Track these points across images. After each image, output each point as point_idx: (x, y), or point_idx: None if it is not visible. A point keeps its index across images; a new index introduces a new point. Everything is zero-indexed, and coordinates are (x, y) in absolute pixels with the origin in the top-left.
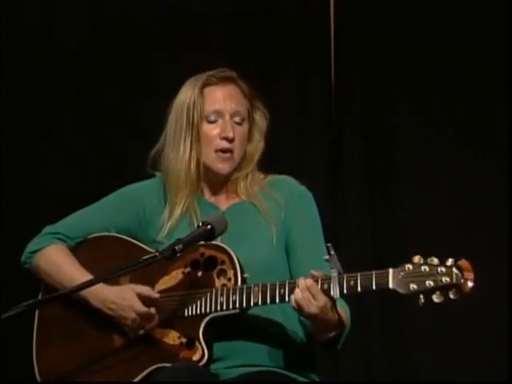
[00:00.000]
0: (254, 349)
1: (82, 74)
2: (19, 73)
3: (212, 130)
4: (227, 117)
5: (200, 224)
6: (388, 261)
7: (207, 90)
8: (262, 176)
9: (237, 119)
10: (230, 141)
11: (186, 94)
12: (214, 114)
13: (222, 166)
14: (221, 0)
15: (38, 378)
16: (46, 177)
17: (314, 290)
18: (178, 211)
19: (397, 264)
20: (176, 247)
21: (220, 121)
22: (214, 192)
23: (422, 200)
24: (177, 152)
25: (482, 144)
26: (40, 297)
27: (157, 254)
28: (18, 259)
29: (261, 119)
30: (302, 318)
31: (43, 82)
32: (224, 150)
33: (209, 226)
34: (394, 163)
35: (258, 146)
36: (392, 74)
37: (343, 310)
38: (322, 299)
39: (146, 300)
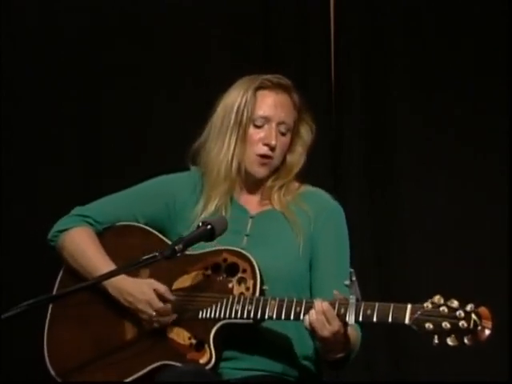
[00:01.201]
0: (262, 354)
1: (81, 73)
2: (19, 73)
3: (257, 135)
4: (274, 124)
5: (200, 224)
6: (388, 261)
7: (260, 92)
8: (296, 185)
9: (282, 129)
10: (272, 149)
11: (239, 92)
12: (261, 119)
13: (259, 170)
14: (221, 0)
15: (46, 356)
16: (46, 177)
17: (330, 315)
18: (212, 206)
19: (396, 264)
20: (176, 247)
21: (266, 126)
22: (248, 196)
23: (421, 200)
24: (221, 147)
25: (481, 144)
26: (59, 277)
27: (157, 253)
28: (18, 259)
29: (306, 133)
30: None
31: (43, 81)
32: (264, 156)
33: (209, 226)
34: (393, 163)
35: (299, 159)
36: (392, 74)
37: (355, 333)
38: (337, 325)
39: (161, 297)
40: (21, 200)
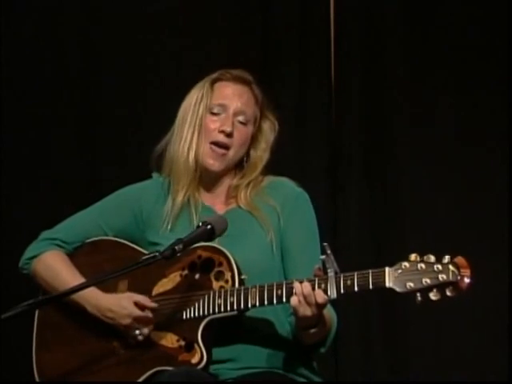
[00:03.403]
0: (253, 351)
1: (82, 73)
2: (19, 73)
3: (212, 123)
4: (230, 112)
5: (200, 224)
6: (388, 261)
7: (218, 84)
8: (260, 178)
9: (241, 118)
10: (227, 135)
11: (197, 88)
12: (218, 107)
13: (213, 163)
14: (221, 0)
15: (36, 376)
16: (47, 177)
17: (310, 299)
18: (179, 197)
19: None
20: (176, 247)
21: (223, 115)
22: (213, 197)
23: (421, 200)
24: (179, 142)
25: (482, 144)
26: None
27: (157, 253)
28: (18, 259)
29: (269, 130)
30: (289, 320)
31: (43, 82)
32: (219, 144)
33: (209, 226)
34: (393, 163)
35: (262, 155)
36: (392, 74)
37: (330, 315)
38: (320, 299)
39: (142, 308)
40: (21, 200)
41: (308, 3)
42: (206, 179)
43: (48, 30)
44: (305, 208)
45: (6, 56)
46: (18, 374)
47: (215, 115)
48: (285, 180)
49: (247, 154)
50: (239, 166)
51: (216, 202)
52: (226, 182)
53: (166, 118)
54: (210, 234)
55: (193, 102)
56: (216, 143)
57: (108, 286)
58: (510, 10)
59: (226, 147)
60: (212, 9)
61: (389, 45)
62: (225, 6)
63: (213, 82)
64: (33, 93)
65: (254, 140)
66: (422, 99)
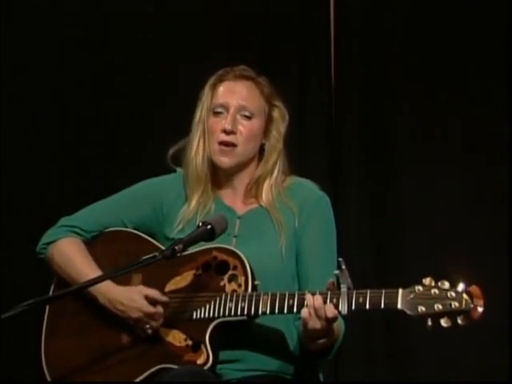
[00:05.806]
0: (259, 354)
1: (82, 73)
2: (19, 73)
3: (217, 124)
4: (232, 109)
5: (200, 224)
6: (387, 261)
7: (220, 85)
8: (282, 178)
9: (245, 113)
10: (228, 133)
11: (200, 95)
12: (219, 107)
13: (223, 160)
14: (221, 0)
15: (44, 369)
16: (47, 177)
17: (321, 308)
18: (192, 203)
19: (396, 266)
20: (176, 247)
21: (225, 114)
22: (232, 195)
23: (421, 200)
24: (192, 146)
25: (483, 144)
26: (52, 289)
27: (157, 253)
28: (18, 259)
29: (280, 119)
30: (296, 324)
31: (43, 82)
32: (225, 143)
33: (209, 226)
34: (394, 163)
35: (276, 144)
36: (392, 74)
37: (338, 323)
38: (330, 313)
39: (153, 302)
40: (21, 200)
41: (308, 3)
42: (224, 178)
43: (48, 30)
44: (324, 212)
45: (6, 56)
46: (18, 374)
47: (218, 115)
48: (307, 182)
49: (262, 147)
50: (256, 161)
51: (236, 202)
52: (245, 179)
53: (165, 118)
54: (211, 234)
55: (198, 109)
56: (222, 143)
57: (121, 280)
58: (510, 9)
59: (233, 145)
60: (212, 9)
61: (389, 45)
62: (225, 6)
63: (213, 84)
64: (33, 93)
65: (266, 131)
66: (421, 99)
